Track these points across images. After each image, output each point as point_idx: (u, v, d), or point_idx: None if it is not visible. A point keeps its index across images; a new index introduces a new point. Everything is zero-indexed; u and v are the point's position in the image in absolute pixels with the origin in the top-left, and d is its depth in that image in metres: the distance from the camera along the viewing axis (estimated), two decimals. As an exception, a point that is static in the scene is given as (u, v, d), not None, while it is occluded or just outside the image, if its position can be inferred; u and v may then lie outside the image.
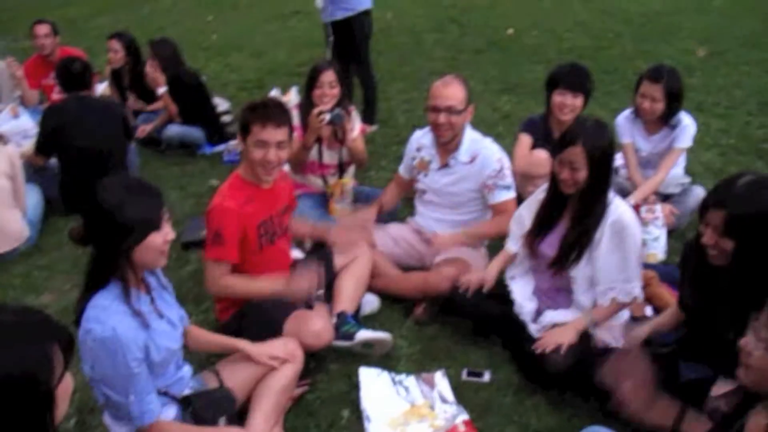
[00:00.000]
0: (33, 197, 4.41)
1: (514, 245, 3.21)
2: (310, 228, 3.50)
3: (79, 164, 4.40)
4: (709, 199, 2.37)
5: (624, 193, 4.07)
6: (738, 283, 2.35)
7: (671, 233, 3.95)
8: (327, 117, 3.81)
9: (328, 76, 3.96)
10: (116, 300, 2.18)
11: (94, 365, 2.16)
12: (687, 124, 3.97)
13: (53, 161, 4.63)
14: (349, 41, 5.71)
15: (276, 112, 2.89)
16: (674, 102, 3.89)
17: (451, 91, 3.37)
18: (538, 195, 3.10)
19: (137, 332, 2.18)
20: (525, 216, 3.14)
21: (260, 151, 2.88)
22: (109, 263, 2.18)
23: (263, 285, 3.01)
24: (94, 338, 2.11)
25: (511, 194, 3.48)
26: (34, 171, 4.58)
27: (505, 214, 3.45)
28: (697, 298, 2.59)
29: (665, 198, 4.09)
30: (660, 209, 3.84)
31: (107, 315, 2.13)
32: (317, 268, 3.12)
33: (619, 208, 2.86)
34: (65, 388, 1.48)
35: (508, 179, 3.46)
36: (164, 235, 2.22)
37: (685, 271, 2.70)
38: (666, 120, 3.96)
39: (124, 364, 2.14)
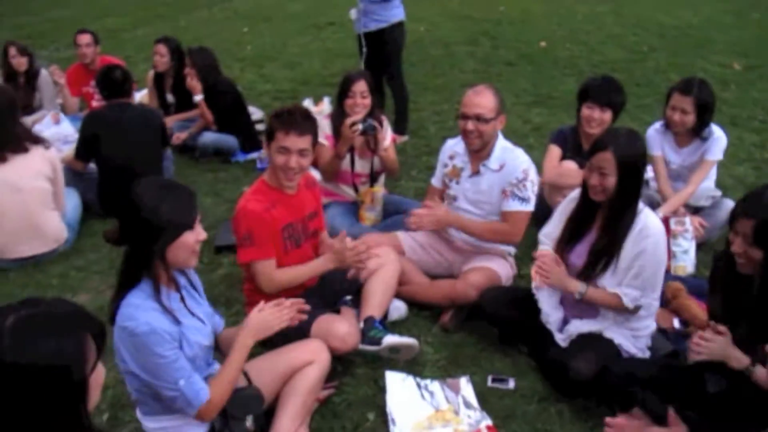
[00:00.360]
0: (72, 200, 4.53)
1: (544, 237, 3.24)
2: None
3: (116, 169, 4.52)
4: (739, 207, 2.38)
5: (654, 205, 4.06)
6: (766, 292, 2.35)
7: (700, 246, 3.94)
8: (360, 127, 3.87)
9: (361, 86, 4.02)
10: (148, 298, 2.25)
11: (136, 361, 2.22)
12: (719, 136, 3.96)
13: (92, 166, 4.75)
14: (382, 52, 5.79)
15: (300, 120, 2.96)
16: (705, 114, 3.88)
17: (482, 100, 3.41)
18: (565, 205, 3.12)
19: (171, 326, 2.26)
20: (554, 225, 3.16)
21: (282, 157, 2.96)
22: (142, 262, 2.25)
23: (315, 265, 3.13)
24: (129, 334, 2.18)
25: (524, 207, 3.46)
26: (73, 175, 4.70)
27: (509, 224, 3.47)
28: (726, 307, 2.59)
29: (695, 211, 4.07)
30: (689, 222, 3.83)
31: (140, 312, 2.20)
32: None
33: (648, 217, 2.87)
34: (97, 377, 1.53)
35: (528, 192, 3.45)
36: (197, 235, 2.29)
37: (715, 281, 2.70)
38: (697, 132, 3.95)
39: (162, 353, 2.20)
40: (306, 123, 2.98)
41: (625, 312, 2.93)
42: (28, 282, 4.05)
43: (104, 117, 4.61)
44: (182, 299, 2.41)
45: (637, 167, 2.85)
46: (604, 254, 2.89)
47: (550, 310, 3.13)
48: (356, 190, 4.26)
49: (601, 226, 2.93)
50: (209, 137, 5.64)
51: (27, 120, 5.37)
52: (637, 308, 2.90)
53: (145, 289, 2.26)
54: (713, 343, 2.44)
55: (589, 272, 2.94)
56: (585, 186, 2.91)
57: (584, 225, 2.99)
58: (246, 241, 2.99)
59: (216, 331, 2.64)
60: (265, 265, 3.03)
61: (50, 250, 4.25)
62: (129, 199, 2.27)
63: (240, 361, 2.46)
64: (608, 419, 2.37)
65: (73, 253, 4.37)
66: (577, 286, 2.93)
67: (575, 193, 3.08)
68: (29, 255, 4.19)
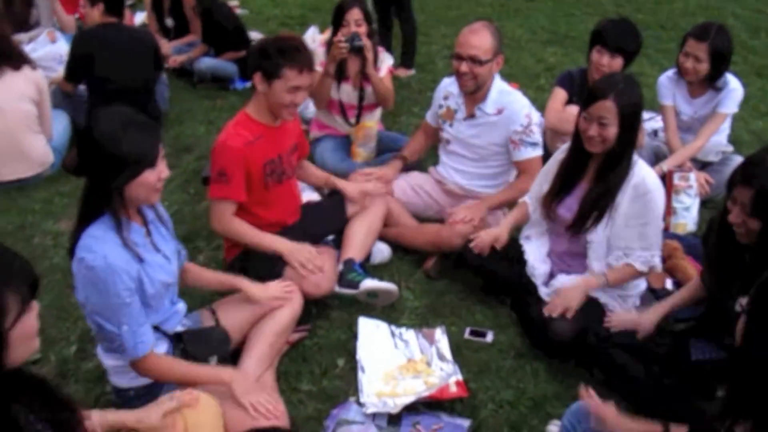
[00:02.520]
0: (60, 123, 4.41)
1: (530, 198, 3.09)
2: (324, 178, 3.43)
3: (106, 92, 4.35)
4: (737, 175, 2.19)
5: (661, 158, 3.89)
6: (762, 263, 2.19)
7: (705, 204, 3.77)
8: (346, 44, 3.74)
9: (355, 14, 3.84)
10: (110, 231, 2.14)
11: (88, 294, 2.13)
12: (734, 87, 3.71)
13: (82, 88, 4.60)
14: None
15: (308, 56, 2.84)
16: (720, 63, 3.63)
17: (477, 40, 3.20)
18: (558, 155, 2.95)
19: (129, 263, 2.15)
20: (548, 174, 3.00)
21: (291, 95, 2.82)
22: (102, 196, 2.13)
23: (266, 240, 2.98)
24: (86, 266, 2.08)
25: (536, 152, 3.33)
26: (63, 97, 4.56)
27: (527, 173, 3.31)
28: (718, 277, 2.44)
29: (703, 166, 3.88)
30: (694, 177, 3.64)
31: (99, 245, 2.09)
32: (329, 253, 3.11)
33: (642, 170, 2.71)
34: (23, 330, 1.42)
35: (536, 136, 3.30)
36: (159, 173, 2.15)
37: (707, 248, 2.55)
38: (710, 82, 3.71)
39: (115, 293, 2.10)
40: (310, 57, 2.87)
41: (641, 276, 2.82)
42: (10, 206, 3.95)
43: (95, 37, 4.41)
44: (148, 234, 2.30)
45: (637, 116, 2.68)
46: (596, 206, 2.74)
47: (537, 263, 3.00)
48: (349, 122, 4.09)
49: (593, 177, 2.76)
50: (207, 63, 5.47)
51: (23, 37, 5.20)
52: (651, 269, 2.77)
53: (107, 221, 2.14)
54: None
55: (579, 225, 2.79)
56: (577, 136, 2.73)
57: (575, 177, 2.83)
58: (221, 177, 2.86)
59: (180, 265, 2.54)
60: (225, 206, 2.91)
61: (35, 174, 4.15)
62: (87, 130, 2.14)
63: (201, 380, 2.30)
64: (585, 392, 2.18)
65: (60, 178, 4.27)
66: (594, 282, 2.79)
67: (561, 152, 2.91)
68: (13, 178, 4.08)
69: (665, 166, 3.69)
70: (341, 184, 3.37)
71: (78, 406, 1.63)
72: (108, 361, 2.37)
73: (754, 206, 2.12)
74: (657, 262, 2.76)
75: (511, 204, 3.36)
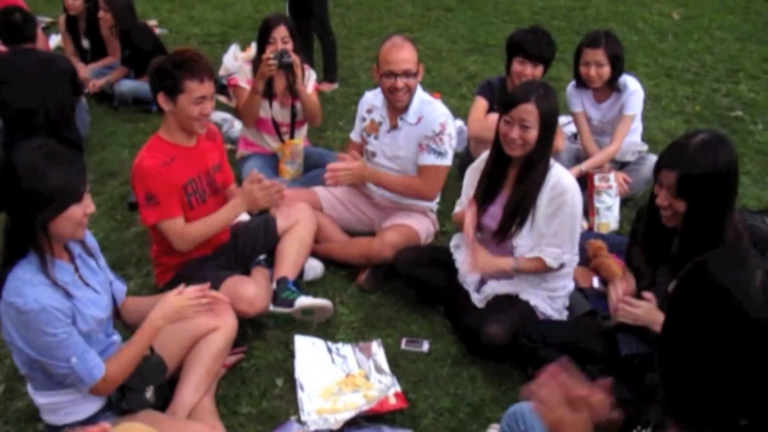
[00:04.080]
0: (-25, 154, 4.25)
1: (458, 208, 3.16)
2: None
3: (22, 121, 4.23)
4: (662, 159, 2.31)
5: (582, 160, 4.01)
6: (687, 245, 2.30)
7: (625, 203, 3.92)
8: (275, 61, 3.74)
9: (281, 31, 3.85)
10: (37, 272, 2.06)
11: (24, 340, 2.06)
12: (635, 89, 3.88)
13: (-3, 118, 4.46)
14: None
15: (205, 64, 2.82)
16: (617, 65, 3.81)
17: (406, 54, 3.25)
18: (472, 173, 3.02)
19: (62, 302, 2.07)
20: (472, 183, 3.06)
21: (199, 106, 2.80)
22: (25, 234, 2.05)
23: (225, 213, 2.97)
24: (16, 311, 2.01)
25: (440, 161, 3.34)
26: (-24, 126, 4.40)
27: (424, 178, 3.36)
28: (647, 260, 2.54)
29: (621, 166, 4.02)
30: (614, 178, 3.78)
31: (28, 288, 2.02)
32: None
33: (559, 171, 2.81)
34: None
35: (444, 146, 3.32)
36: (84, 207, 2.09)
37: (636, 234, 2.65)
38: (611, 85, 3.88)
39: (53, 333, 2.04)
40: (207, 64, 2.84)
41: (550, 272, 2.87)
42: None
43: (7, 63, 4.29)
44: (76, 270, 2.23)
45: (554, 121, 2.79)
46: (518, 211, 2.82)
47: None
48: (282, 140, 4.08)
49: (513, 183, 2.85)
50: (127, 85, 5.36)
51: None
52: (561, 266, 2.84)
53: (33, 261, 2.06)
54: (639, 309, 2.40)
55: (504, 232, 2.86)
56: (497, 144, 2.81)
57: (496, 185, 2.90)
58: (149, 201, 2.81)
59: (119, 298, 2.48)
60: (174, 224, 2.86)
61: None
62: (7, 165, 2.06)
63: (146, 341, 2.32)
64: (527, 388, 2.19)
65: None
66: (509, 262, 2.85)
67: (480, 160, 2.98)
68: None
69: (584, 166, 3.82)
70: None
71: None
72: (40, 399, 2.29)
73: (679, 188, 2.23)
74: (567, 259, 2.84)
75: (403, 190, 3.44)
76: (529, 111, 2.68)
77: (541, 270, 2.86)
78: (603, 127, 4.02)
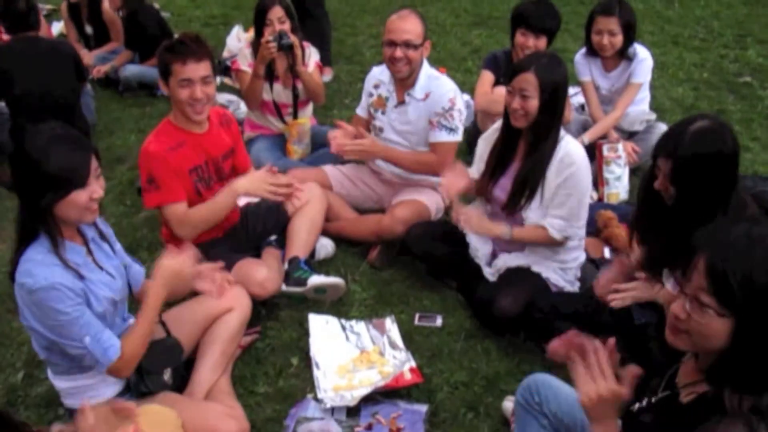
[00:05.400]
0: (-19, 142, 4.26)
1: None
2: None
3: (28, 108, 4.23)
4: (660, 146, 2.29)
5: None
6: (680, 228, 2.30)
7: (634, 172, 3.90)
8: (275, 44, 3.69)
9: (277, 12, 3.83)
10: (49, 253, 2.07)
11: (38, 320, 2.08)
12: (644, 57, 3.85)
13: (2, 105, 4.46)
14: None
15: (194, 47, 2.75)
16: (630, 33, 3.78)
17: (408, 25, 3.23)
18: (487, 136, 3.01)
19: (73, 281, 2.09)
20: (483, 156, 3.05)
21: (186, 90, 2.75)
22: (35, 216, 2.07)
23: (228, 191, 2.89)
24: (28, 291, 2.03)
25: (451, 137, 3.34)
26: (-17, 115, 4.42)
27: (436, 155, 3.35)
28: (645, 224, 2.53)
29: (629, 136, 4.00)
30: (622, 148, 3.76)
31: (39, 268, 2.03)
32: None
33: (569, 144, 2.78)
34: None
35: (455, 122, 3.32)
36: (90, 193, 2.07)
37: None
38: (623, 53, 3.84)
39: (65, 311, 2.05)
40: (200, 47, 2.76)
41: (553, 244, 2.87)
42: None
43: (10, 52, 4.27)
44: (89, 252, 2.24)
45: (559, 91, 2.73)
46: (528, 183, 2.80)
47: (479, 244, 3.06)
48: (284, 121, 4.07)
49: (523, 155, 2.83)
50: (132, 70, 5.35)
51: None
52: (565, 239, 2.84)
53: (44, 242, 2.08)
54: (633, 291, 2.43)
55: (513, 204, 2.85)
56: (507, 114, 2.80)
57: (507, 156, 2.89)
58: (150, 185, 2.81)
59: (136, 281, 2.49)
60: (174, 209, 2.84)
61: (-40, 195, 4.01)
62: (17, 147, 2.08)
63: (152, 313, 2.31)
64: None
65: (-10, 198, 4.13)
66: (502, 229, 2.85)
67: (493, 129, 2.97)
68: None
69: (586, 138, 3.79)
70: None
71: (32, 428, 1.60)
72: (60, 383, 2.33)
73: (672, 176, 2.21)
74: (572, 233, 2.83)
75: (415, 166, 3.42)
76: (527, 80, 2.66)
77: (543, 241, 2.85)
78: (611, 96, 3.99)
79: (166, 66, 2.74)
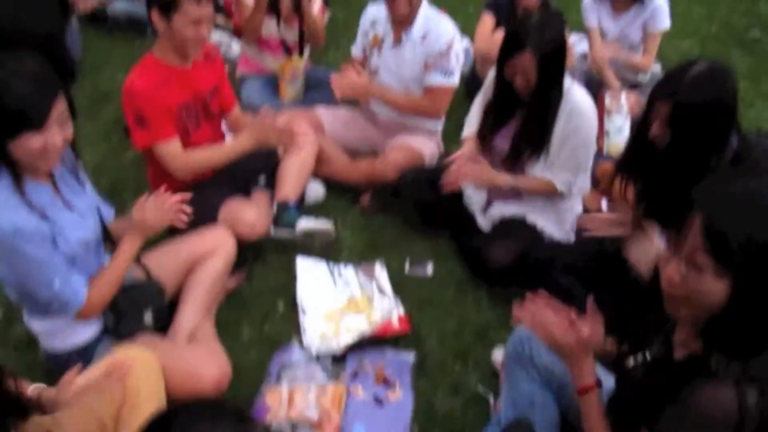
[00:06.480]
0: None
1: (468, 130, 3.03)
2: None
3: (10, 46, 4.07)
4: (657, 90, 2.19)
5: (594, 82, 3.86)
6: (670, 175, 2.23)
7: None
8: None
9: None
10: (11, 194, 1.93)
11: (6, 265, 1.98)
12: (660, 2, 3.70)
13: (-15, 38, 4.30)
14: None
15: None
16: None
17: None
18: (483, 96, 2.89)
19: (39, 224, 1.96)
20: (482, 105, 2.93)
21: (194, 28, 2.62)
22: None
23: (233, 145, 2.85)
24: None
25: (447, 81, 3.21)
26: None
27: (430, 98, 3.23)
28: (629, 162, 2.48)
29: (633, 86, 3.88)
30: (625, 98, 3.64)
31: (2, 211, 1.90)
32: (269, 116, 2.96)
33: (576, 94, 2.65)
34: None
35: (451, 65, 3.18)
36: (45, 139, 1.88)
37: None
38: None
39: (32, 256, 1.94)
40: None
41: (555, 196, 2.77)
42: None
43: (-8, -19, 4.11)
44: (56, 190, 2.10)
45: (559, 53, 2.56)
46: (531, 137, 2.69)
47: (473, 192, 2.98)
48: (291, 57, 3.92)
49: (525, 113, 2.69)
50: (121, 5, 5.12)
51: None
52: (570, 192, 2.75)
53: (4, 180, 1.93)
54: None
55: (516, 156, 2.74)
56: (500, 73, 2.65)
57: (506, 111, 2.76)
58: (139, 123, 2.69)
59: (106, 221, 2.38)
60: (169, 147, 2.73)
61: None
62: None
63: (124, 260, 2.22)
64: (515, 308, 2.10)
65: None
66: (506, 179, 2.75)
67: (491, 80, 2.84)
68: None
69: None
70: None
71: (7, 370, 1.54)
72: (36, 325, 2.23)
73: (670, 119, 2.13)
74: (579, 185, 2.76)
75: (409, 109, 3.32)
76: (525, 60, 2.50)
77: (547, 193, 2.76)
78: (619, 43, 3.84)
79: (174, 1, 2.57)
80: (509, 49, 2.55)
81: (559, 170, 2.70)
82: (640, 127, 2.31)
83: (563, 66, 2.61)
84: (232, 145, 2.88)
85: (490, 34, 3.79)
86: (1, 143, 1.87)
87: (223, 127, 3.14)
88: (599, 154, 3.60)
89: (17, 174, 1.93)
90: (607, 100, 3.64)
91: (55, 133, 1.89)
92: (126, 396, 1.96)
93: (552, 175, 2.71)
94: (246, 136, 2.88)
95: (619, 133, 3.64)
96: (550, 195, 2.78)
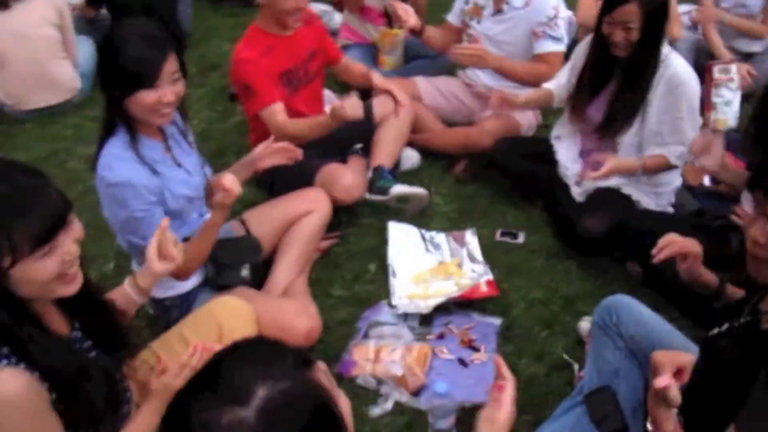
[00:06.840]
0: (86, 49, 4.35)
1: (552, 84, 2.99)
2: (364, 74, 3.32)
3: (129, 14, 4.30)
4: None
5: (702, 52, 3.70)
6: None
7: (746, 98, 3.58)
8: None
9: None
10: (127, 148, 2.09)
11: (112, 211, 2.12)
12: None
13: (104, 12, 4.55)
14: None
15: None
16: None
17: None
18: (582, 49, 2.83)
19: (149, 178, 2.10)
20: (574, 69, 2.88)
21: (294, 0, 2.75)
22: (113, 109, 2.07)
23: (321, 121, 2.86)
24: (106, 184, 2.06)
25: (558, 47, 3.17)
26: (86, 23, 4.51)
27: (546, 66, 3.17)
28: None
29: (746, 57, 3.68)
30: (736, 69, 3.45)
31: (117, 162, 2.06)
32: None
33: (674, 62, 2.58)
34: (24, 271, 1.37)
35: (560, 30, 3.15)
36: (160, 95, 2.01)
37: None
38: None
39: (138, 207, 2.08)
40: None
41: (669, 169, 2.72)
42: (43, 134, 3.98)
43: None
44: (168, 149, 2.24)
45: (663, 13, 2.52)
46: (627, 109, 2.64)
47: (569, 163, 2.93)
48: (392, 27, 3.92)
49: (621, 78, 2.64)
50: (230, -22, 5.34)
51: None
52: (685, 164, 2.71)
53: (122, 137, 2.09)
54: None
55: (608, 128, 2.69)
56: (598, 38, 2.60)
57: (601, 79, 2.71)
58: (248, 91, 2.83)
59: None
60: (271, 111, 2.84)
61: (64, 100, 4.13)
62: (105, 38, 2.10)
63: (213, 228, 2.23)
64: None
65: (88, 103, 4.23)
66: (635, 162, 2.67)
67: (585, 44, 2.78)
68: (43, 106, 4.08)
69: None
70: (376, 78, 3.27)
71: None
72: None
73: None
74: (691, 157, 2.66)
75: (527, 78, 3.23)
76: (631, 11, 2.45)
77: (663, 168, 2.71)
78: (734, 11, 3.65)
79: None
80: (614, 2, 2.51)
81: (671, 144, 2.63)
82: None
83: (664, 26, 2.56)
84: (321, 122, 2.86)
85: (592, 3, 3.69)
86: (118, 100, 2.02)
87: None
88: (704, 127, 3.47)
89: (133, 130, 2.08)
90: (716, 71, 3.45)
91: (167, 90, 2.02)
92: (222, 343, 2.08)
93: (665, 151, 2.64)
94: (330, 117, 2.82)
95: (728, 106, 3.43)
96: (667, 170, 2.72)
